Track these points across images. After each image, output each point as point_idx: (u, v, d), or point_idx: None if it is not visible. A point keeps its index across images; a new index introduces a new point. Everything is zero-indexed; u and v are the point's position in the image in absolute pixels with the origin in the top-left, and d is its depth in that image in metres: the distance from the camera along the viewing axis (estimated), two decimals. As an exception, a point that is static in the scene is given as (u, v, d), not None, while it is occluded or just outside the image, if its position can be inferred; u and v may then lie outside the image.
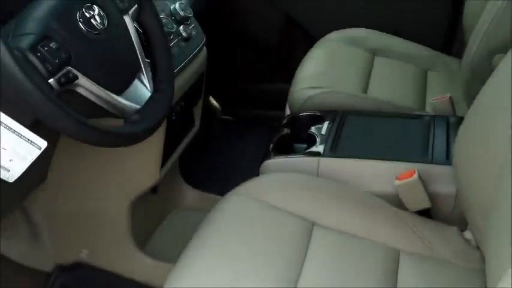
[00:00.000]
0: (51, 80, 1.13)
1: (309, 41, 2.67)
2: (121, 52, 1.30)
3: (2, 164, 1.13)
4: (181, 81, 1.82)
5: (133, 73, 1.34)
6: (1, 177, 1.14)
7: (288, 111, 2.18)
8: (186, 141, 2.06)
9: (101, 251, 1.98)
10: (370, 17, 2.70)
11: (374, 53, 2.45)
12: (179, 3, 1.91)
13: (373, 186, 1.65)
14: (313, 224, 1.44)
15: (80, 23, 1.23)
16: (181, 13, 1.89)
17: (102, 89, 1.26)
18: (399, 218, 1.51)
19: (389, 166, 1.67)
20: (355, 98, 2.15)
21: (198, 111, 2.12)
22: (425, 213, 1.60)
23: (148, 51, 1.47)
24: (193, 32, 1.91)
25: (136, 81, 1.36)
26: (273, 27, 2.88)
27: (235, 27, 2.87)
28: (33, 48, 1.13)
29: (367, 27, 2.62)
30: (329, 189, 1.61)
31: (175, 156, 2.00)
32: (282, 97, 2.37)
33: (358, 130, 1.93)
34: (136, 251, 1.95)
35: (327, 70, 2.31)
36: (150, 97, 1.40)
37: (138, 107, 1.34)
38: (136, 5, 1.44)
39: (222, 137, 3.02)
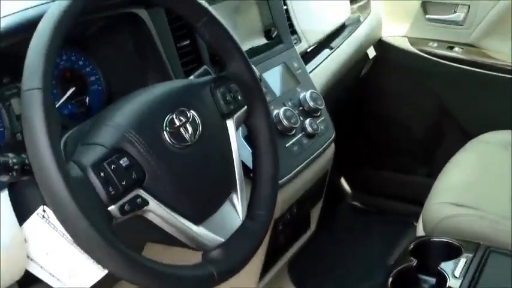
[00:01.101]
0: (112, 208, 0.88)
1: (462, 137, 2.31)
2: (212, 169, 1.04)
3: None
4: (298, 185, 1.56)
5: (224, 195, 1.08)
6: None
7: (420, 228, 1.81)
8: (297, 245, 1.77)
9: None
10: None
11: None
12: (311, 92, 1.65)
13: None
14: None
15: (164, 133, 0.97)
16: (311, 104, 1.63)
17: (178, 217, 1.00)
18: None
19: None
20: (506, 228, 1.73)
21: (315, 214, 1.83)
22: None
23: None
24: (321, 127, 1.63)
25: (225, 205, 1.08)
26: (423, 115, 2.55)
27: (379, 110, 2.58)
28: (97, 166, 0.91)
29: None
30: None
31: (281, 263, 1.71)
32: (420, 193, 2.04)
33: (506, 277, 1.52)
34: None
35: (475, 183, 1.89)
36: (240, 227, 1.13)
37: (221, 240, 1.07)
38: (245, 107, 1.18)
39: (346, 226, 2.71)
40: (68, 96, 1.28)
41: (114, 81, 1.35)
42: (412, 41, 2.48)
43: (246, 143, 1.35)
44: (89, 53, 1.32)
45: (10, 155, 0.91)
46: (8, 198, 0.99)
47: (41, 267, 1.00)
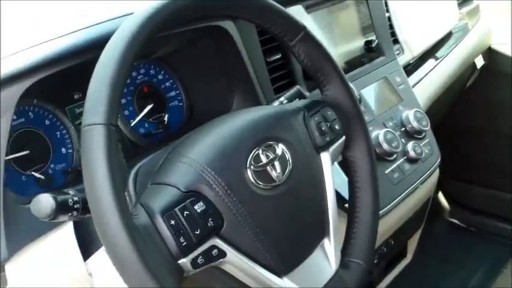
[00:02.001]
0: (182, 261, 0.75)
1: None
2: (302, 213, 0.89)
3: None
4: (396, 216, 1.39)
5: (315, 242, 0.93)
6: None
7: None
8: (391, 276, 1.59)
9: None
10: None
11: None
12: (415, 112, 1.46)
13: None
14: None
15: (248, 172, 0.83)
16: (415, 125, 1.44)
17: (260, 270, 0.86)
18: None
19: None
20: None
21: (413, 242, 1.64)
22: None
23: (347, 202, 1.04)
24: (425, 151, 1.44)
25: (316, 253, 0.93)
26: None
27: (484, 122, 2.37)
28: (168, 212, 0.77)
29: None
30: None
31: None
32: None
33: None
34: None
35: None
36: (332, 278, 0.96)
37: (309, 294, 0.92)
38: (343, 137, 1.02)
39: (444, 246, 2.50)
40: (145, 114, 1.15)
41: (196, 98, 1.22)
42: (525, 49, 2.23)
43: (340, 170, 1.18)
44: (170, 67, 1.20)
45: (71, 192, 0.80)
46: (72, 231, 0.90)
47: (107, 303, 0.90)
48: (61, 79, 0.90)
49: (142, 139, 1.14)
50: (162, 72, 1.19)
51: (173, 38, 1.12)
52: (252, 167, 0.84)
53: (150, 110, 1.16)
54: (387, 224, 1.36)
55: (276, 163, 0.87)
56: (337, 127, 1.00)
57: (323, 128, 0.97)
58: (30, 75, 0.85)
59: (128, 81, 1.14)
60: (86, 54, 0.88)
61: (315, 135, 0.96)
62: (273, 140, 0.89)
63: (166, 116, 1.19)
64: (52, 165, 1.03)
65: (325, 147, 0.97)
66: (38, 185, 1.00)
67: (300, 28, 0.95)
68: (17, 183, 0.98)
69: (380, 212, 1.23)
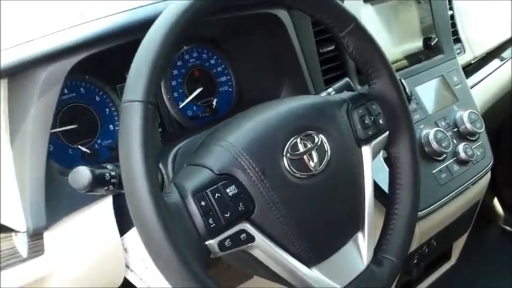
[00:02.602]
0: (210, 242, 0.76)
1: None
2: (338, 205, 0.89)
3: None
4: (441, 217, 1.37)
5: (348, 235, 0.92)
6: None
7: None
8: (433, 278, 1.57)
9: None
10: None
11: None
12: (469, 113, 1.43)
13: None
14: None
15: (284, 160, 0.84)
16: (469, 126, 1.42)
17: (289, 258, 0.86)
18: None
19: None
20: None
21: (459, 245, 1.61)
22: None
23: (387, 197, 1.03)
24: (477, 153, 1.41)
25: (347, 246, 0.92)
26: None
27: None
28: (199, 193, 0.77)
29: None
30: None
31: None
32: None
33: None
34: None
35: None
36: (363, 273, 0.96)
37: (338, 287, 0.91)
38: (387, 133, 1.01)
39: (494, 253, 2.44)
40: (194, 97, 1.17)
41: (246, 85, 1.23)
42: None
43: (385, 164, 1.17)
44: (222, 52, 1.21)
45: (109, 166, 0.82)
46: (111, 206, 0.92)
47: (141, 279, 0.93)
48: (113, 57, 0.92)
49: (189, 121, 1.16)
50: (215, 57, 1.20)
51: (227, 23, 1.12)
52: (288, 154, 0.85)
53: (199, 93, 1.17)
54: (430, 225, 1.34)
55: (314, 153, 0.87)
56: (381, 121, 0.99)
57: (366, 122, 0.96)
58: (79, 51, 0.88)
59: (180, 63, 1.16)
60: (133, 34, 0.90)
61: (357, 128, 0.96)
62: (313, 129, 0.89)
63: (215, 100, 1.20)
64: (99, 141, 1.06)
65: (366, 140, 0.96)
66: (83, 159, 1.03)
67: (351, 20, 0.95)
68: (63, 155, 1.01)
69: (423, 211, 1.22)
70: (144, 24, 0.78)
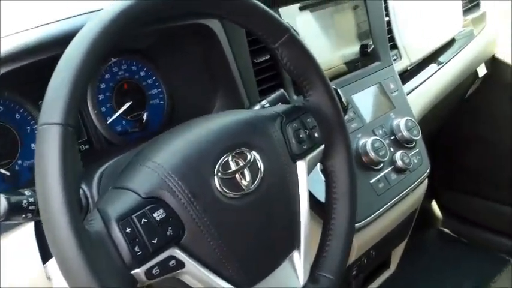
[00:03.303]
0: (136, 271, 0.71)
1: None
2: (272, 224, 0.86)
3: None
4: (379, 227, 1.36)
5: (283, 255, 0.89)
6: None
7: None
8: (373, 286, 1.56)
9: None
10: None
11: None
12: (406, 120, 1.42)
13: None
14: None
15: (215, 179, 0.80)
16: (406, 134, 1.41)
17: (221, 282, 0.82)
18: None
19: None
20: None
21: (398, 253, 1.60)
22: None
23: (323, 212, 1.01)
24: (414, 161, 1.41)
25: (284, 265, 0.89)
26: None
27: (483, 133, 2.32)
28: (124, 219, 0.73)
29: None
30: None
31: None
32: None
33: None
34: None
35: None
36: None
37: (274, 309, 0.89)
38: (322, 146, 0.98)
39: (432, 256, 2.47)
40: (123, 111, 1.12)
41: (179, 98, 1.19)
42: (530, 60, 2.18)
43: (322, 175, 1.15)
44: (152, 64, 1.16)
45: (27, 192, 0.77)
46: (33, 232, 0.87)
47: (69, 306, 0.87)
48: (34, 72, 0.86)
49: (118, 137, 1.11)
50: (145, 68, 1.15)
51: (158, 34, 1.08)
52: (219, 174, 0.81)
53: (129, 107, 1.12)
54: (368, 235, 1.33)
55: (246, 171, 0.83)
56: (316, 135, 0.96)
57: (301, 136, 0.93)
58: None
59: (108, 76, 1.11)
60: (54, 49, 0.85)
61: (291, 143, 0.92)
62: (245, 146, 0.85)
63: (146, 114, 1.15)
64: (19, 161, 0.99)
65: (301, 155, 0.93)
66: (3, 181, 0.97)
67: (284, 30, 0.92)
68: (-20, 180, 0.95)
69: (361, 223, 1.20)
70: (65, 39, 0.73)
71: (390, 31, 1.62)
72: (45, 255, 0.86)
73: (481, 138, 2.36)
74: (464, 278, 2.27)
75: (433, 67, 1.83)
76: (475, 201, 2.51)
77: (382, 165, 1.35)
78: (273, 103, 1.07)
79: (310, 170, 0.96)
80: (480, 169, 2.42)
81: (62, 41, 0.77)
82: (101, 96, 1.10)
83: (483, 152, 2.38)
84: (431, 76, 1.77)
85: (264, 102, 1.07)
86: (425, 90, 1.72)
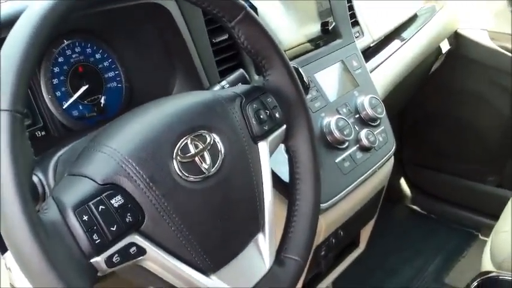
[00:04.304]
0: (96, 259, 0.70)
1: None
2: (235, 206, 0.84)
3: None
4: (347, 207, 1.34)
5: (247, 238, 0.88)
6: None
7: (486, 259, 1.56)
8: (342, 266, 1.55)
9: None
10: None
11: None
12: (370, 98, 1.41)
13: None
14: None
15: (174, 163, 0.77)
16: (370, 112, 1.39)
17: (184, 268, 0.81)
18: None
19: None
20: None
21: (366, 232, 1.60)
22: None
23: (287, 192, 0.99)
24: (379, 139, 1.39)
25: (248, 249, 0.87)
26: (498, 117, 2.28)
27: (449, 109, 2.33)
28: (80, 207, 0.71)
29: None
30: None
31: (324, 285, 1.50)
32: (488, 203, 1.98)
33: None
34: None
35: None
36: (266, 275, 0.91)
37: (239, 292, 0.87)
38: (284, 126, 0.96)
39: (401, 232, 2.49)
40: (80, 96, 1.08)
41: (137, 80, 1.15)
42: (493, 36, 2.18)
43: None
44: (108, 46, 1.13)
45: None
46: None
47: (30, 298, 0.84)
48: None
49: (75, 122, 1.08)
50: (100, 51, 1.12)
51: (112, 14, 1.04)
52: (178, 157, 0.79)
53: (85, 91, 1.09)
54: (336, 215, 1.31)
55: (206, 154, 0.81)
56: (277, 115, 0.94)
57: (261, 116, 0.91)
58: None
59: (61, 60, 1.07)
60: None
61: (252, 124, 0.90)
62: (204, 129, 0.83)
63: (103, 98, 1.12)
64: None
65: (263, 136, 0.91)
66: None
67: (240, 8, 0.89)
68: None
69: (328, 202, 1.19)
70: (8, 22, 0.70)
71: (351, 8, 1.60)
72: (4, 246, 0.83)
73: (446, 114, 2.37)
74: (434, 253, 2.30)
75: (396, 43, 1.82)
76: (443, 177, 2.53)
77: (347, 144, 1.33)
78: (232, 84, 1.04)
79: (272, 151, 0.95)
80: (447, 145, 2.44)
81: (5, 24, 0.74)
82: (55, 81, 1.06)
83: (449, 128, 2.40)
84: (394, 53, 1.77)
85: (223, 83, 1.04)
86: (388, 67, 1.71)
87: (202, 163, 0.81)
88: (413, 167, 2.58)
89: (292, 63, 0.97)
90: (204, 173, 0.81)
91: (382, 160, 1.41)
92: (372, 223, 1.61)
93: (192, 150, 0.80)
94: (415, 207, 2.64)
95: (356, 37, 1.58)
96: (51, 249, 0.64)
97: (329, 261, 1.49)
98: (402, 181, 2.65)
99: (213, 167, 0.82)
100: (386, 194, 1.63)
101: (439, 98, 2.36)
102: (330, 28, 1.46)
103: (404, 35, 1.88)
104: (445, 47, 2.15)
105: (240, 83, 1.05)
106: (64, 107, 1.07)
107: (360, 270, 1.88)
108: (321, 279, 1.52)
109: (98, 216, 0.71)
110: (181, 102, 0.86)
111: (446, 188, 2.53)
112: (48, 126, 1.06)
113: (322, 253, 1.35)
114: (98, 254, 0.70)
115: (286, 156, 1.01)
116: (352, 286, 2.01)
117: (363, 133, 1.37)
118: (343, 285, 1.78)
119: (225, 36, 1.19)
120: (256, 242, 0.91)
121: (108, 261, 0.72)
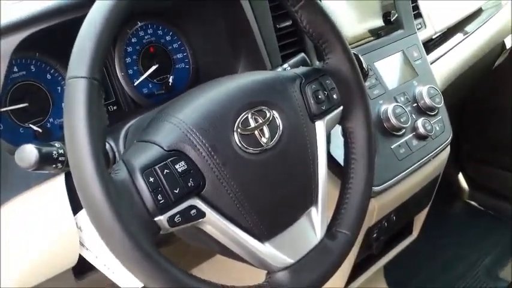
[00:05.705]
0: (159, 218, 0.75)
1: None
2: (290, 179, 0.89)
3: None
4: (400, 192, 1.38)
5: (301, 210, 0.92)
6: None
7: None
8: (394, 251, 1.59)
9: None
10: None
11: None
12: (428, 88, 1.43)
13: None
14: None
15: (234, 135, 0.83)
16: (428, 101, 1.42)
17: (241, 233, 0.86)
18: None
19: None
20: None
21: (420, 220, 1.63)
22: None
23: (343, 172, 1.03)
24: (436, 128, 1.42)
25: (301, 221, 0.92)
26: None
27: (508, 104, 2.30)
28: (148, 169, 0.76)
29: None
30: None
31: (375, 268, 1.54)
32: None
33: None
34: None
35: None
36: (316, 247, 0.95)
37: (290, 261, 0.92)
38: (341, 107, 1.01)
39: (457, 227, 2.48)
40: (150, 74, 1.16)
41: (203, 61, 1.22)
42: (558, 33, 2.15)
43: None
44: (178, 28, 1.20)
45: (57, 144, 0.82)
46: (63, 184, 0.91)
47: (96, 257, 0.93)
48: (64, 33, 0.89)
49: (144, 99, 1.15)
50: (171, 33, 1.19)
51: None
52: (239, 130, 0.84)
53: (155, 70, 1.16)
54: (389, 199, 1.35)
55: (265, 128, 0.87)
56: (335, 96, 0.98)
57: (320, 96, 0.96)
58: (24, 27, 0.86)
59: (134, 40, 1.15)
60: (81, 9, 0.89)
61: (310, 103, 0.95)
62: (265, 104, 0.88)
63: (171, 77, 1.19)
64: (51, 119, 1.04)
65: (320, 115, 0.96)
66: (35, 138, 1.02)
67: None
68: (14, 135, 1.00)
69: (382, 186, 1.23)
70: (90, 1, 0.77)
71: (415, 0, 1.62)
72: (76, 207, 0.90)
73: (508, 110, 2.35)
74: (490, 249, 2.28)
75: (458, 37, 1.82)
76: (502, 174, 2.50)
77: (403, 131, 1.36)
78: (294, 66, 1.09)
79: (328, 130, 0.99)
80: (507, 141, 2.41)
81: (86, 2, 0.81)
82: (128, 59, 1.14)
83: (510, 124, 2.37)
84: (455, 46, 1.77)
85: (285, 65, 1.10)
86: (449, 60, 1.72)
87: (261, 137, 0.86)
88: (472, 163, 2.56)
89: (352, 51, 1.01)
90: (263, 146, 0.86)
91: (438, 149, 1.43)
92: (425, 212, 1.63)
93: (252, 124, 0.86)
94: (472, 202, 2.62)
95: (418, 29, 1.60)
96: (120, 205, 0.71)
97: (380, 245, 1.52)
98: (460, 176, 2.64)
99: (271, 140, 0.87)
100: (444, 189, 1.65)
101: (501, 94, 2.33)
102: (392, 19, 1.49)
103: (468, 28, 1.88)
104: (509, 42, 2.14)
105: (301, 66, 1.10)
106: (135, 84, 1.15)
107: (412, 259, 1.90)
108: (373, 262, 1.56)
109: (163, 179, 0.77)
110: (244, 79, 0.92)
111: (505, 184, 2.50)
112: (119, 102, 1.14)
113: (374, 235, 1.39)
114: (161, 213, 0.77)
115: (342, 139, 1.05)
116: (403, 274, 2.03)
117: (420, 121, 1.39)
118: (394, 271, 1.81)
119: (289, 22, 1.24)
120: (309, 215, 0.95)
121: (171, 220, 0.78)
